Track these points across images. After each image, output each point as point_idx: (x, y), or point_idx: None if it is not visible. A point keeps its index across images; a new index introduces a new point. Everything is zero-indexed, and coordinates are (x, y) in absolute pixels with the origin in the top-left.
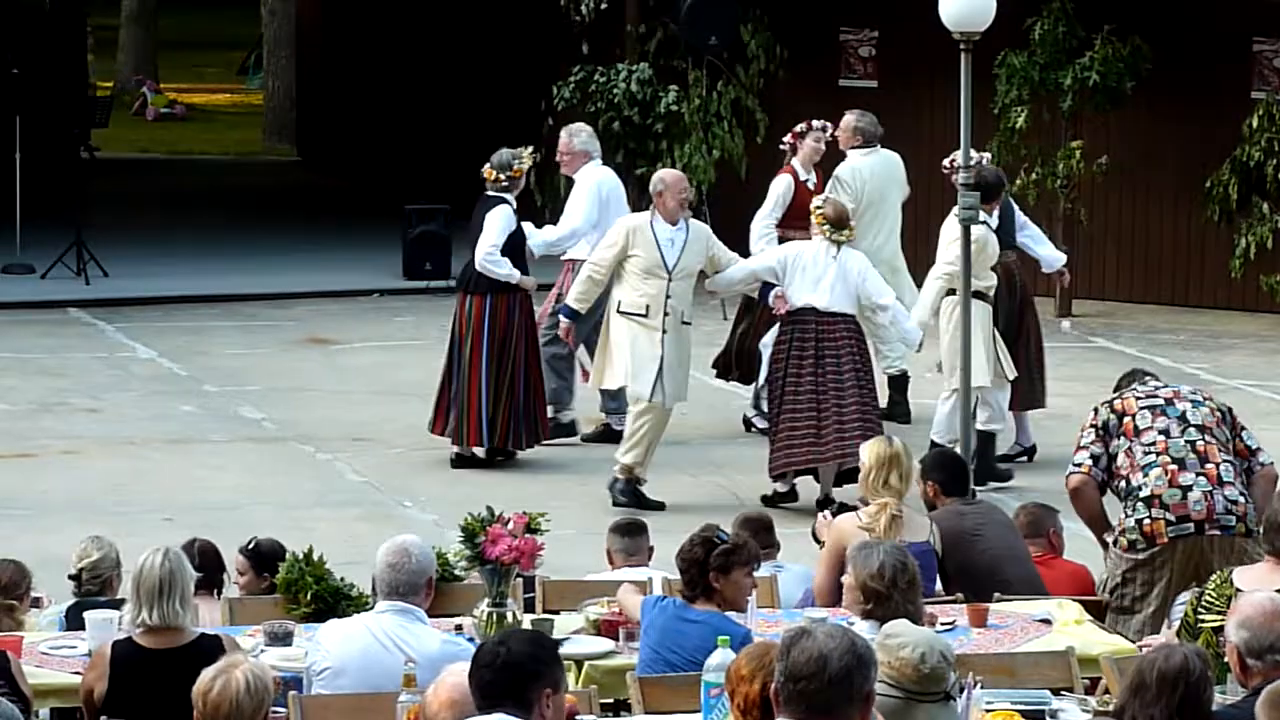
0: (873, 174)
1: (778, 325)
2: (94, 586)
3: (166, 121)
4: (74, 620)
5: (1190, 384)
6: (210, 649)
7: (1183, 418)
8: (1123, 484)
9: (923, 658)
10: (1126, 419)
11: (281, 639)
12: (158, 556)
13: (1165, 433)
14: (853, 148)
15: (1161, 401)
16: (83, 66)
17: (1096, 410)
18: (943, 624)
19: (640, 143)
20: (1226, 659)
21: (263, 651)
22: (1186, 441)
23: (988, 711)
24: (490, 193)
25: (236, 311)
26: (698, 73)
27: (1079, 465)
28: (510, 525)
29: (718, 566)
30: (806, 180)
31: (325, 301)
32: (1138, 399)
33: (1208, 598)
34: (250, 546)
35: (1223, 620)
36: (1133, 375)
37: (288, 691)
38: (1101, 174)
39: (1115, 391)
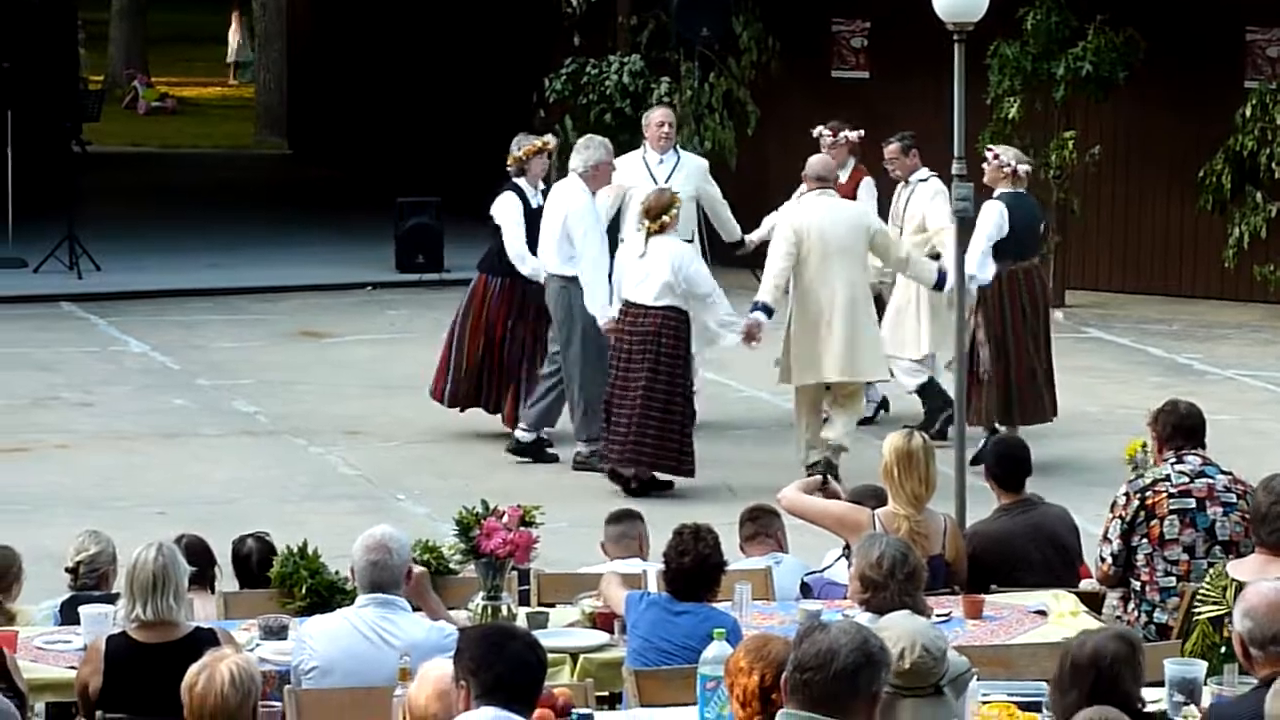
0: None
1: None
2: (90, 580)
3: (158, 115)
4: (69, 615)
5: (1221, 461)
6: (205, 643)
7: (1210, 530)
8: (1138, 585)
9: (902, 654)
10: (1154, 522)
11: (276, 633)
12: (151, 551)
13: (1190, 550)
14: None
15: (1193, 505)
16: (74, 60)
17: (1127, 499)
18: (938, 615)
19: (632, 135)
20: (1225, 649)
21: (258, 645)
22: (1210, 564)
23: (984, 704)
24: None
25: (229, 305)
26: (689, 64)
27: (1103, 560)
28: (505, 518)
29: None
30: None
31: (317, 295)
32: (1170, 496)
33: (1203, 590)
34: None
35: (1218, 610)
36: (1174, 420)
37: (283, 685)
38: (1094, 164)
39: (1151, 422)
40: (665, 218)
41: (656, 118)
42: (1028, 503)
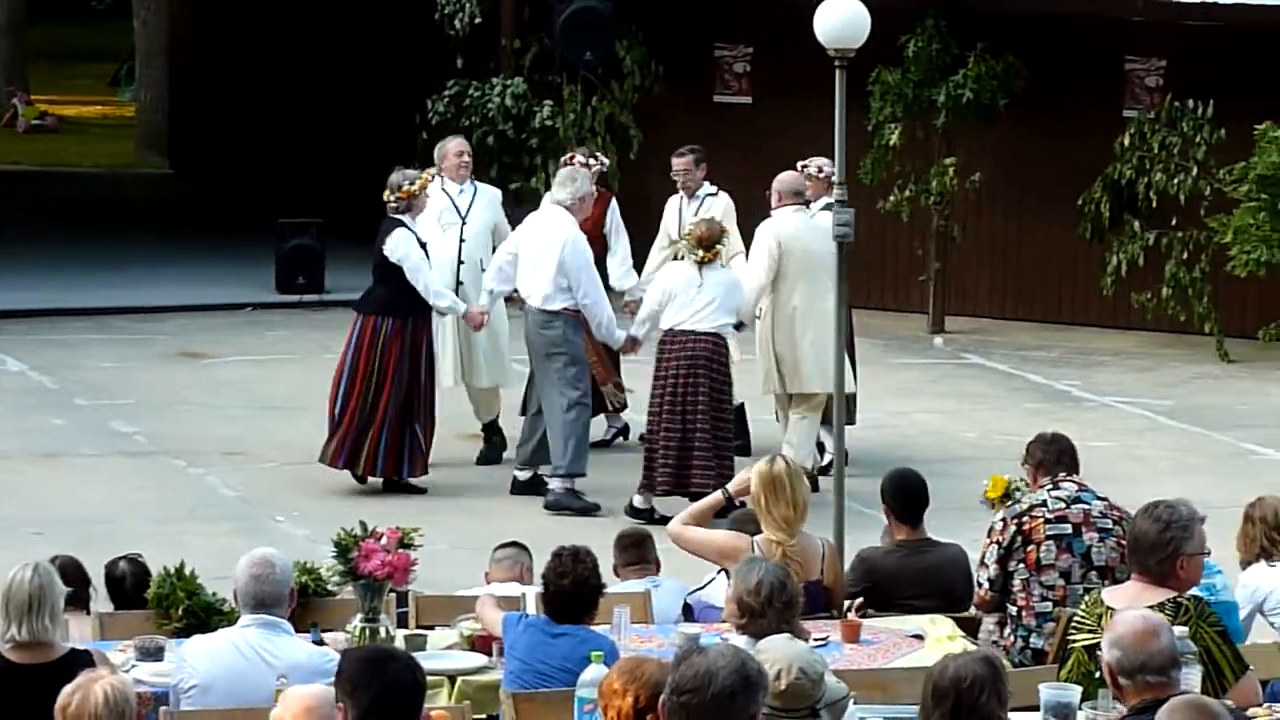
0: None
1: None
2: None
3: (38, 133)
4: None
5: (1098, 485)
6: (80, 664)
7: (1086, 556)
8: (1014, 610)
9: (778, 675)
10: (1031, 547)
11: (152, 654)
12: (28, 571)
13: (1066, 576)
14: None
15: (1070, 530)
16: None
17: (1004, 524)
18: (815, 639)
19: (514, 157)
20: (1100, 676)
21: (134, 667)
22: (1086, 589)
23: None
24: (390, 216)
25: (108, 325)
26: (572, 88)
27: (980, 585)
28: (383, 540)
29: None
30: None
31: (197, 315)
32: (1047, 521)
33: (1079, 617)
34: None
35: (1092, 639)
36: (1043, 446)
37: (159, 707)
38: (975, 191)
39: (1025, 456)
40: (718, 247)
41: (454, 147)
42: (926, 543)
